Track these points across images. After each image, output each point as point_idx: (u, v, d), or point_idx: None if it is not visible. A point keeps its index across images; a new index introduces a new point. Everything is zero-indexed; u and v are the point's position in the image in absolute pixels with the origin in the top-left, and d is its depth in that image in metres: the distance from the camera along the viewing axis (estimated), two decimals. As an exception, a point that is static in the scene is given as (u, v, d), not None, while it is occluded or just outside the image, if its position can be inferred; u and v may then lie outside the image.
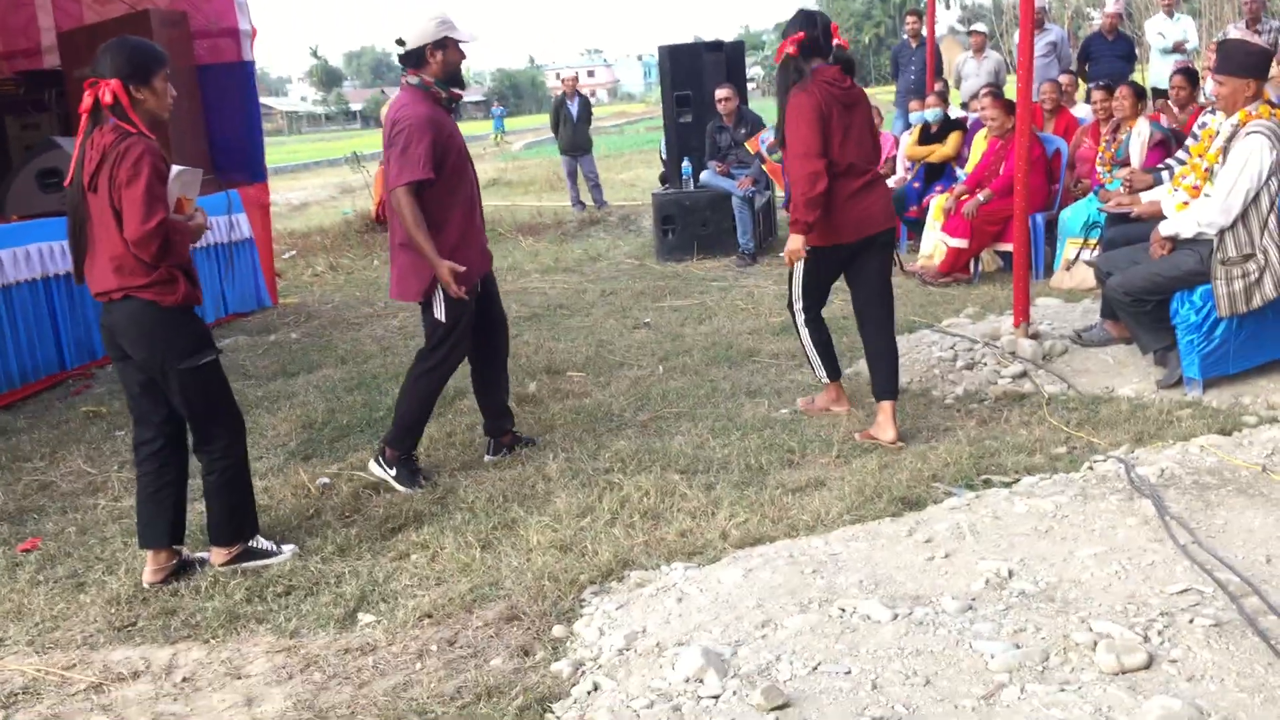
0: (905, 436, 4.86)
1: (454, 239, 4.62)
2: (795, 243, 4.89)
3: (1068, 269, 7.88)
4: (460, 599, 3.62)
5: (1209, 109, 6.80)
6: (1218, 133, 5.30)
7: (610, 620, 3.37)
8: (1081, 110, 9.83)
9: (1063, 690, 2.65)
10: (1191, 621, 2.92)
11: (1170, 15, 12.40)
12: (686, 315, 7.86)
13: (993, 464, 4.47)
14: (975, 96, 10.37)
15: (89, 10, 9.10)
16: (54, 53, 9.13)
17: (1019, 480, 4.26)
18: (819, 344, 5.22)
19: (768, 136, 5.73)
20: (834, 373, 5.30)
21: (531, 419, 5.55)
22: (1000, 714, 2.59)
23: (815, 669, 2.86)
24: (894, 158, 10.86)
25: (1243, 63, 5.03)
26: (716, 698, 2.75)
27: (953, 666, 2.82)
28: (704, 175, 10.40)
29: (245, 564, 4.03)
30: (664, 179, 11.86)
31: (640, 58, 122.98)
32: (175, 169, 3.81)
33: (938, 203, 8.82)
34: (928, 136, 9.93)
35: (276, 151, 41.84)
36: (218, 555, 4.05)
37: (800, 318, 5.19)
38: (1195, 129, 6.70)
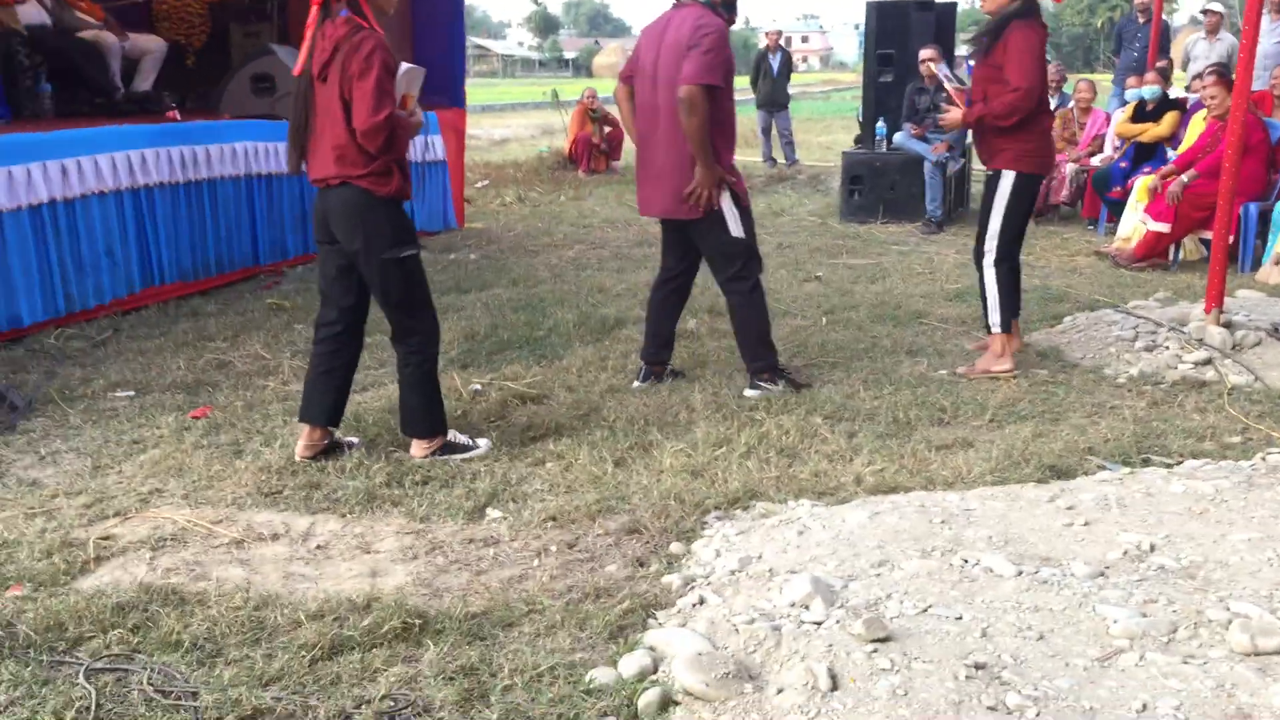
0: (1062, 412, 4.66)
1: (724, 154, 4.68)
2: (955, 120, 5.26)
3: (1277, 263, 7.36)
4: (586, 507, 3.67)
5: None
6: None
7: (728, 543, 3.36)
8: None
9: (1185, 663, 2.50)
10: (1344, 618, 2.71)
11: None
12: (860, 274, 7.71)
13: (1156, 445, 4.24)
14: (1199, 77, 9.75)
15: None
16: (280, -34, 9.55)
17: (1181, 463, 4.02)
18: (1013, 288, 5.24)
19: (943, 69, 5.59)
20: (1007, 322, 5.23)
21: (687, 353, 5.55)
22: (1113, 677, 2.46)
23: (925, 610, 2.78)
24: (1103, 135, 10.36)
25: None
26: (819, 624, 2.71)
27: (1071, 626, 2.70)
28: (898, 137, 10.14)
29: (446, 456, 4.14)
30: (859, 140, 11.61)
31: (857, 26, 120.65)
32: (403, 66, 3.96)
33: (1142, 183, 8.35)
34: (1142, 115, 9.41)
35: (489, 91, 43.03)
36: (419, 448, 4.15)
37: (993, 257, 5.17)
38: None
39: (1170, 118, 9.17)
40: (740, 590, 3.00)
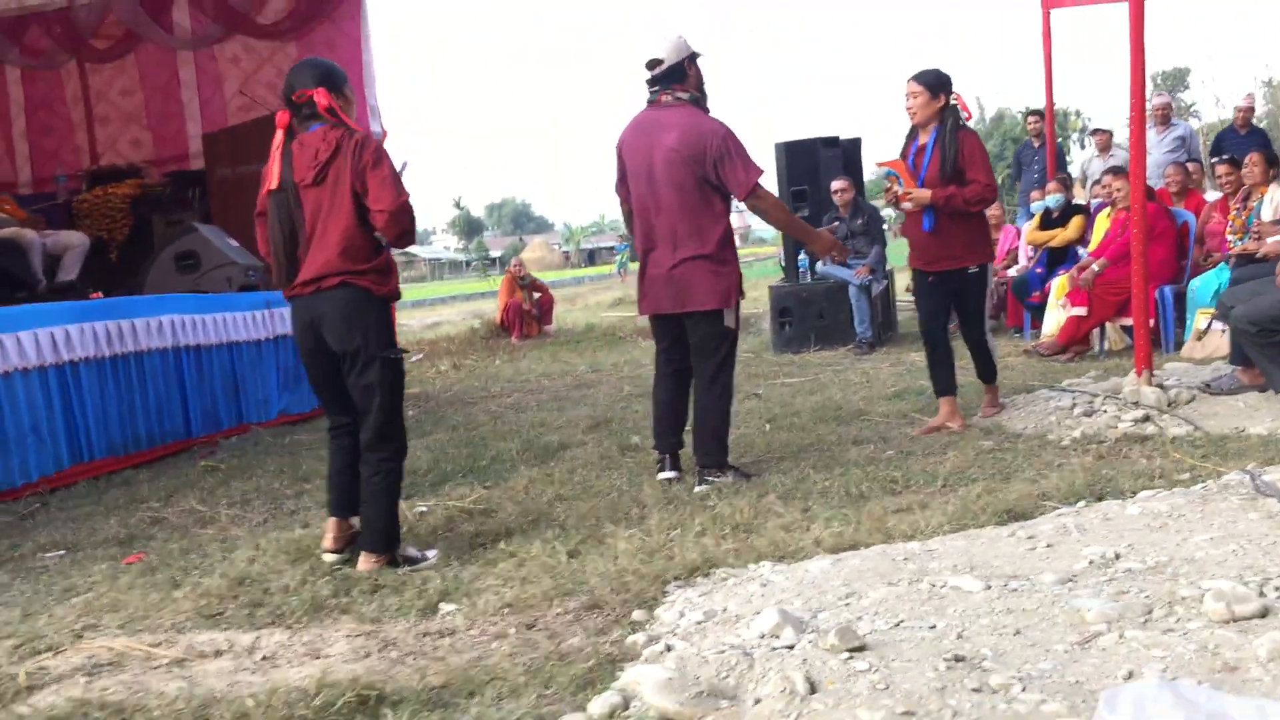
0: (1012, 471, 4.66)
1: (731, 249, 4.97)
2: (925, 197, 5.61)
3: (1199, 339, 7.55)
4: (543, 594, 3.54)
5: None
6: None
7: (691, 604, 3.25)
8: (1212, 197, 9.56)
9: (1166, 634, 2.44)
10: (1317, 585, 2.67)
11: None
12: (798, 389, 7.76)
13: (1109, 487, 4.23)
14: (1098, 182, 10.19)
15: (232, 115, 9.71)
16: (199, 156, 9.74)
17: (1135, 496, 4.02)
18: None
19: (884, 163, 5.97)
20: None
21: (633, 463, 5.50)
22: (1095, 655, 2.39)
23: (897, 624, 2.70)
24: (1015, 249, 10.72)
25: None
26: (791, 647, 2.61)
27: (1046, 621, 2.63)
28: (819, 266, 10.39)
29: (398, 570, 4.00)
30: (784, 275, 11.87)
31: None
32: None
33: (1059, 282, 8.63)
34: (1049, 223, 9.77)
35: (419, 290, 43.61)
36: (367, 561, 4.02)
37: (990, 335, 6.07)
38: None
39: (1076, 221, 9.53)
40: (707, 634, 2.89)
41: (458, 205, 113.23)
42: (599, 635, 3.15)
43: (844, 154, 10.89)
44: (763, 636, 2.71)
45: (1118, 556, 3.11)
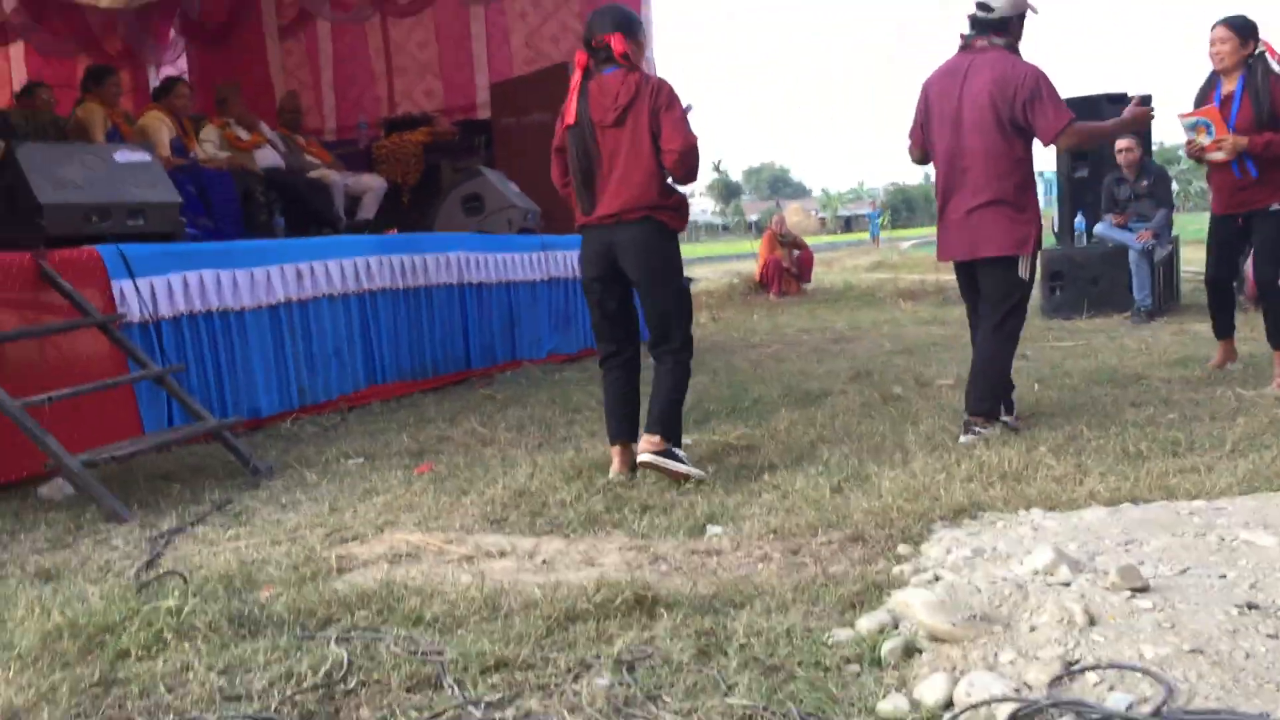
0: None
1: (1032, 197, 4.94)
2: (1243, 144, 5.43)
3: None
4: (807, 524, 3.62)
5: None
6: None
7: (959, 542, 3.24)
8: None
9: None
10: None
11: None
12: (1068, 353, 7.48)
13: None
14: None
15: (518, 67, 10.17)
16: (486, 106, 10.26)
17: None
18: None
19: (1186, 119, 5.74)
20: None
21: (896, 412, 5.48)
22: None
23: (1183, 572, 2.62)
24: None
25: None
26: (1067, 584, 2.58)
27: (1352, 579, 2.49)
28: (1099, 228, 9.91)
29: (666, 462, 4.27)
30: (1057, 236, 11.39)
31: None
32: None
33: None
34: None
35: (674, 250, 44.28)
36: (649, 443, 4.31)
37: None
38: None
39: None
40: (977, 569, 2.89)
41: (716, 169, 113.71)
42: (864, 564, 3.20)
43: (1132, 111, 10.28)
44: (1036, 573, 2.69)
45: None
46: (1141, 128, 5.30)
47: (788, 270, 14.32)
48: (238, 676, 2.55)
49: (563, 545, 3.67)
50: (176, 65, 11.57)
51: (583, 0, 9.79)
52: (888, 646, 2.39)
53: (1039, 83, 4.71)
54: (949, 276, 15.41)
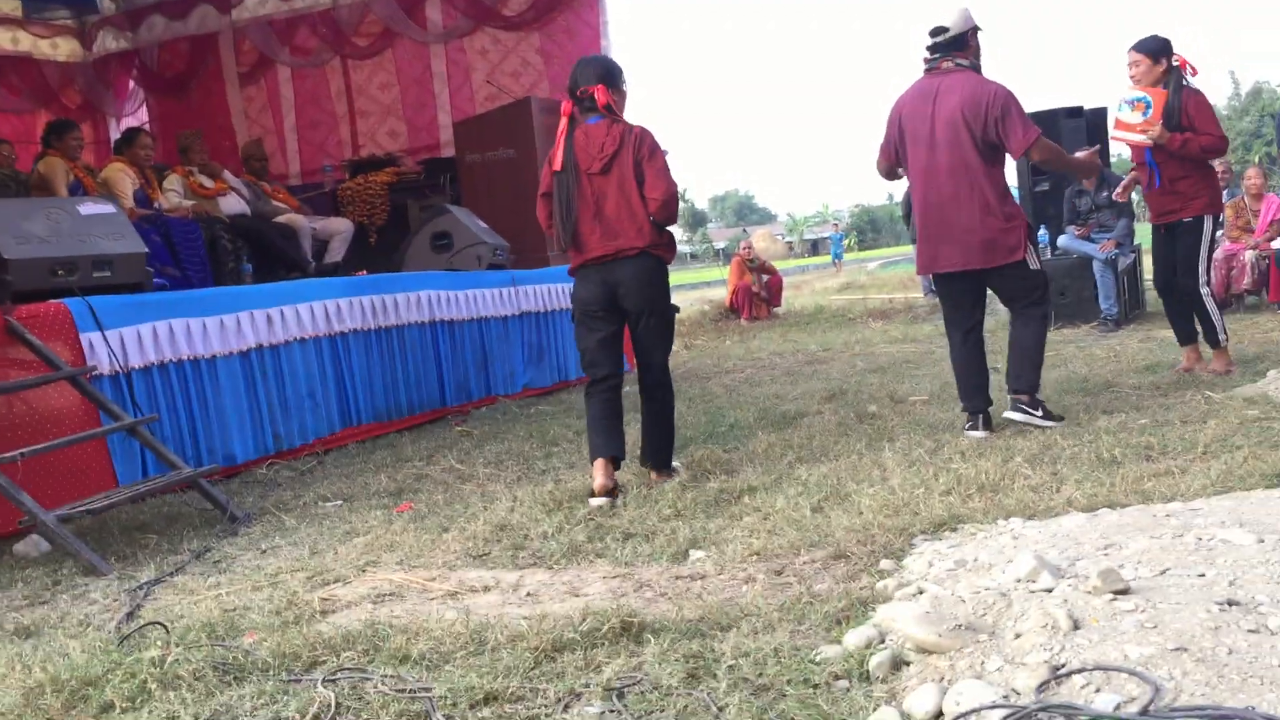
0: (1278, 441, 4.42)
1: (1011, 200, 5.24)
2: (1163, 138, 5.82)
3: None
4: (789, 544, 3.64)
5: None
6: None
7: (940, 554, 3.26)
8: None
9: None
10: None
11: None
12: (1040, 364, 7.53)
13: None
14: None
15: (480, 104, 10.21)
16: (450, 144, 10.28)
17: None
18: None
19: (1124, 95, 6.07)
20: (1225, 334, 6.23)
21: (871, 430, 5.51)
22: (1384, 604, 2.28)
23: (1163, 572, 2.64)
24: (1278, 220, 10.05)
25: None
26: (1050, 590, 2.60)
27: (1329, 573, 2.52)
28: (1062, 240, 10.04)
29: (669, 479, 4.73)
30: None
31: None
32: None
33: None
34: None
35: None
36: (660, 476, 4.78)
37: (1207, 288, 6.16)
38: None
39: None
40: (960, 580, 2.91)
41: (682, 197, 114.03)
42: (848, 581, 3.21)
43: (1088, 124, 10.46)
44: (1019, 581, 2.71)
45: (1406, 516, 2.94)
46: (1094, 172, 5.93)
47: (758, 295, 14.39)
48: (225, 723, 2.53)
49: (547, 577, 3.66)
50: (137, 116, 11.58)
51: (543, 36, 9.86)
52: (875, 660, 2.41)
53: (1008, 100, 4.96)
54: (917, 294, 15.58)
